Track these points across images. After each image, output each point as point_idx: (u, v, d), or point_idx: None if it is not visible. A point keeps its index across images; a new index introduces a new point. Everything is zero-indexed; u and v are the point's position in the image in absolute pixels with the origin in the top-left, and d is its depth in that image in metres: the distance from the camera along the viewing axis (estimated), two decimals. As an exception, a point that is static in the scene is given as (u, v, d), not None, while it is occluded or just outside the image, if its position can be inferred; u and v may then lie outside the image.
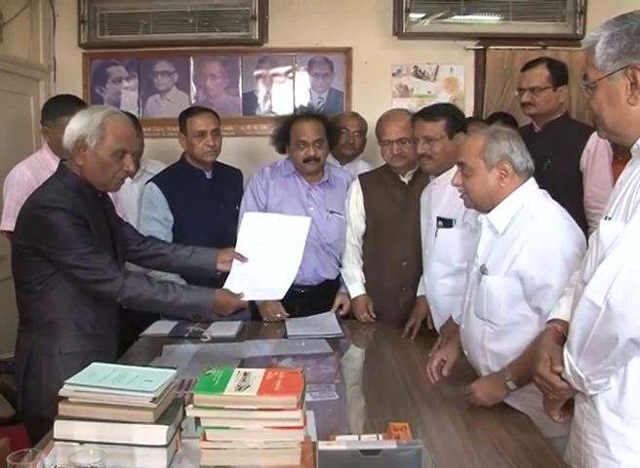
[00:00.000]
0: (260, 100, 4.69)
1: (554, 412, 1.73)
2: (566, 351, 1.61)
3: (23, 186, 3.04)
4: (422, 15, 4.51)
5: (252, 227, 2.66)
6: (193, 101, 4.60)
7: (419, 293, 3.02)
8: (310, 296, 3.23)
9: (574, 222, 2.09)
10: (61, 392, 1.59)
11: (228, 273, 2.64)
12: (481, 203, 2.18)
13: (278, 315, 3.13)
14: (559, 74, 3.30)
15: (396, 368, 2.55)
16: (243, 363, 2.54)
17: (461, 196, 2.25)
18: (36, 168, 3.13)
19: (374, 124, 3.27)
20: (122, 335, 2.62)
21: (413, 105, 4.31)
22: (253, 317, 3.21)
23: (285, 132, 3.22)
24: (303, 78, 4.68)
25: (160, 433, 1.56)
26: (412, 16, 4.48)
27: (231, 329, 2.95)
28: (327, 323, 3.08)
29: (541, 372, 1.68)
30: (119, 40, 4.57)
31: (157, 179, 3.30)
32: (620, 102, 1.55)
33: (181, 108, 3.57)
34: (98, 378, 1.62)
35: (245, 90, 4.67)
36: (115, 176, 2.37)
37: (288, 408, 1.54)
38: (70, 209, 2.25)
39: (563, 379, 1.63)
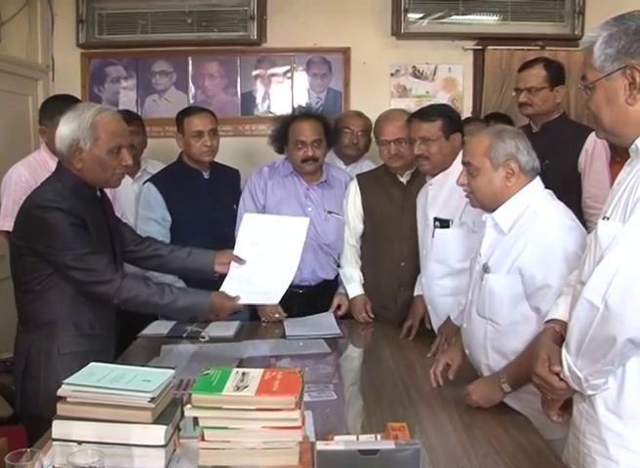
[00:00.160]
0: (259, 100, 4.68)
1: (552, 413, 1.73)
2: (564, 351, 1.61)
3: (21, 186, 3.03)
4: (421, 15, 4.51)
5: (251, 229, 2.65)
6: (192, 101, 4.60)
7: (416, 293, 3.03)
8: (309, 297, 3.23)
9: (579, 223, 2.09)
10: (60, 392, 1.59)
11: (226, 275, 2.64)
12: (487, 202, 2.17)
13: (276, 315, 3.13)
14: (556, 74, 3.31)
15: (394, 368, 2.55)
16: (241, 363, 2.54)
17: (467, 196, 2.24)
18: (34, 167, 3.12)
19: (372, 124, 3.27)
20: (120, 335, 2.62)
21: (411, 105, 4.31)
22: (251, 317, 3.21)
23: (283, 132, 3.22)
24: (302, 78, 4.68)
25: (158, 433, 1.56)
26: (410, 16, 4.48)
27: (229, 329, 2.95)
28: (325, 323, 3.08)
29: (540, 373, 1.67)
30: (117, 40, 4.56)
31: (155, 179, 3.30)
32: (618, 103, 1.55)
33: (180, 108, 3.56)
34: (96, 378, 1.62)
35: (243, 90, 4.67)
36: (115, 172, 2.37)
37: (286, 408, 1.54)
38: (68, 209, 2.25)
39: (561, 379, 1.63)
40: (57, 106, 3.04)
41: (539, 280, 2.02)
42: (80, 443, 1.54)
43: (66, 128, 2.32)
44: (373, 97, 4.53)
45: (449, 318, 2.68)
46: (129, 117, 3.62)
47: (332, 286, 3.31)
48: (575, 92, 4.27)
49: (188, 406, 1.57)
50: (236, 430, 1.56)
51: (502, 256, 2.09)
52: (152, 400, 1.56)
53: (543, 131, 3.29)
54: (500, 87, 4.52)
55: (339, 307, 3.26)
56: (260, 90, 4.68)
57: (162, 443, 1.56)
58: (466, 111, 4.50)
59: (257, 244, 2.62)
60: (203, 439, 1.57)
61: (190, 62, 4.65)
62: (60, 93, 3.56)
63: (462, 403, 2.11)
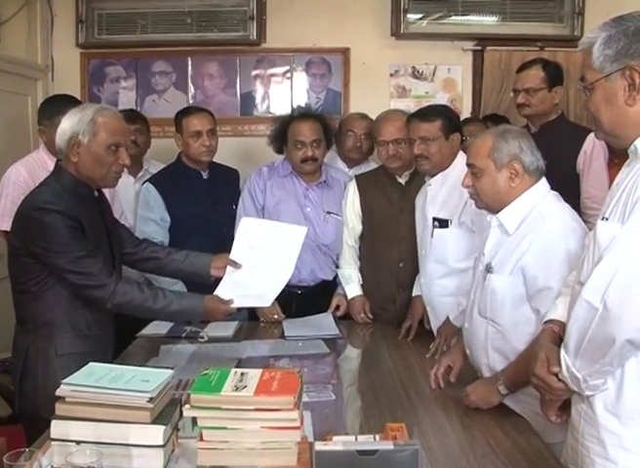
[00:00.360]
0: (258, 101, 4.68)
1: (551, 413, 1.73)
2: (563, 352, 1.61)
3: (20, 186, 3.03)
4: (420, 15, 4.50)
5: (248, 233, 2.64)
6: (191, 101, 4.59)
7: (414, 294, 3.03)
8: (307, 297, 3.23)
9: (584, 226, 2.08)
10: (58, 392, 1.58)
11: (221, 279, 2.64)
12: (492, 204, 2.16)
13: (275, 316, 3.13)
14: (554, 75, 3.30)
15: (393, 368, 2.55)
16: (240, 363, 2.54)
17: (472, 197, 2.24)
18: (32, 167, 3.12)
19: (372, 124, 3.28)
20: (119, 336, 2.62)
21: (411, 106, 4.31)
22: (250, 317, 3.21)
23: (282, 132, 3.22)
24: (301, 78, 4.67)
25: (157, 433, 1.56)
26: (409, 16, 4.48)
27: (228, 329, 2.94)
28: (324, 323, 3.08)
29: (538, 373, 1.68)
30: (117, 40, 4.56)
31: (154, 180, 3.30)
32: (617, 104, 1.55)
33: (179, 108, 3.56)
34: (95, 378, 1.62)
35: (243, 90, 4.66)
36: (111, 170, 2.37)
37: (285, 408, 1.54)
38: (65, 211, 2.24)
39: (560, 380, 1.63)
40: (56, 106, 3.04)
41: (540, 281, 2.02)
42: (79, 443, 1.53)
43: (68, 122, 2.33)
44: (372, 97, 4.52)
45: (448, 318, 2.68)
46: (133, 116, 3.64)
47: (330, 286, 3.31)
48: (574, 93, 4.27)
49: (187, 406, 1.57)
50: (235, 430, 1.56)
51: (506, 257, 2.09)
52: (151, 400, 1.56)
53: (542, 132, 3.29)
54: (499, 87, 4.52)
55: (337, 308, 3.26)
56: (259, 90, 4.68)
57: (160, 443, 1.56)
58: (466, 112, 4.50)
59: (253, 248, 2.61)
60: (202, 439, 1.57)
61: (190, 63, 4.65)
62: (60, 93, 3.56)
63: (461, 404, 2.11)
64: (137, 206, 3.38)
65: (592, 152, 3.16)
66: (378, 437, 1.61)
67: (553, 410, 1.72)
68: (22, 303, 2.37)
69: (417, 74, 4.63)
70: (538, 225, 2.05)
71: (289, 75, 4.67)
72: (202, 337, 2.83)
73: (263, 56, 4.63)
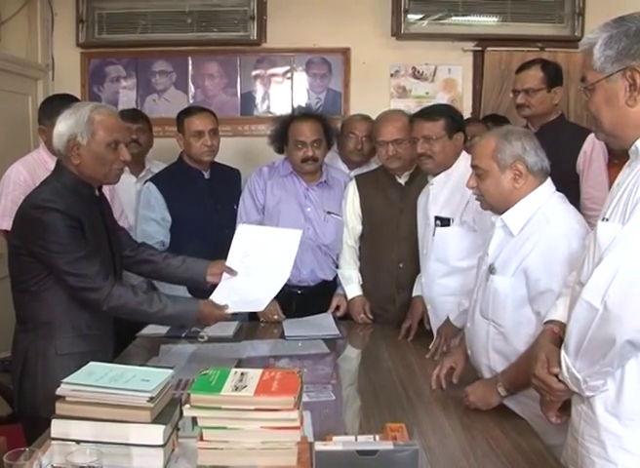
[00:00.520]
0: (258, 101, 4.68)
1: (551, 414, 1.73)
2: (563, 352, 1.61)
3: (20, 185, 3.03)
4: (421, 16, 4.51)
5: (244, 240, 2.63)
6: (191, 101, 4.59)
7: (414, 294, 3.03)
8: (307, 297, 3.23)
9: (588, 228, 2.06)
10: (59, 391, 1.59)
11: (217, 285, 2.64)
12: (496, 205, 2.16)
13: (275, 317, 3.13)
14: (553, 75, 3.30)
15: (393, 368, 2.55)
16: (240, 363, 2.54)
17: (477, 199, 2.24)
18: (32, 167, 3.12)
19: (372, 125, 3.27)
20: (119, 336, 2.62)
21: (411, 106, 4.31)
22: (250, 317, 3.21)
23: (283, 132, 3.22)
24: (301, 78, 4.67)
25: (157, 433, 1.56)
26: (410, 16, 4.48)
27: (228, 329, 2.94)
28: (324, 323, 3.08)
29: (538, 374, 1.67)
30: (117, 39, 4.56)
31: (155, 179, 3.30)
32: (618, 104, 1.55)
33: (180, 108, 3.56)
34: (95, 378, 1.62)
35: (243, 90, 4.66)
36: (113, 167, 2.36)
37: (285, 408, 1.54)
38: (65, 210, 2.24)
39: (560, 381, 1.63)
40: (56, 106, 3.03)
41: (542, 284, 2.01)
42: (79, 442, 1.54)
43: (64, 124, 2.33)
44: (372, 97, 4.52)
45: (448, 319, 2.68)
46: (135, 115, 3.64)
47: (331, 286, 3.31)
48: (574, 93, 4.27)
49: (187, 405, 1.57)
50: (235, 430, 1.56)
51: (509, 258, 2.09)
52: (151, 399, 1.56)
53: (541, 132, 3.28)
54: (499, 88, 4.52)
55: (337, 308, 3.26)
56: (259, 90, 4.68)
57: (161, 442, 1.56)
58: (466, 112, 4.49)
59: (249, 255, 2.60)
60: (202, 439, 1.57)
61: (190, 62, 4.65)
62: (60, 92, 3.56)
63: (461, 404, 2.11)
64: (138, 205, 3.38)
65: (592, 153, 3.16)
66: (377, 437, 1.61)
67: (553, 411, 1.72)
68: (22, 303, 2.36)
69: (417, 74, 4.63)
70: (541, 227, 2.04)
71: (289, 75, 4.67)
72: (202, 337, 2.83)
73: (264, 56, 4.63)
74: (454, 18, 4.51)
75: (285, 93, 4.67)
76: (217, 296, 2.51)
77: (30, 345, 2.32)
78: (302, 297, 3.22)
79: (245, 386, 1.58)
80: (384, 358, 2.68)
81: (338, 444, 1.50)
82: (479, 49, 4.58)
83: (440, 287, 2.81)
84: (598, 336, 1.49)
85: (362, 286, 3.24)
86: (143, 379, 1.63)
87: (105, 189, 2.64)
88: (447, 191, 2.79)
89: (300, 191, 3.26)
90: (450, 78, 4.64)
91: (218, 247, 2.72)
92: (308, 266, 3.21)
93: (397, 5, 4.46)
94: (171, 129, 3.58)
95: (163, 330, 2.92)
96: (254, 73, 4.66)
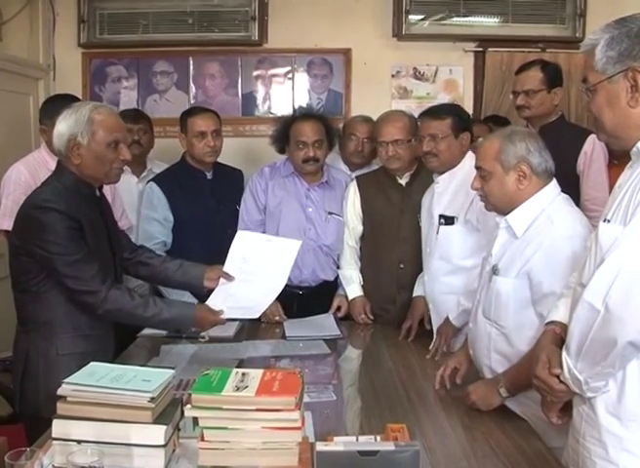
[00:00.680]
0: (260, 101, 4.68)
1: (552, 415, 1.73)
2: (564, 353, 1.61)
3: (21, 185, 3.03)
4: (422, 16, 4.51)
5: (242, 246, 2.63)
6: (192, 102, 4.60)
7: (415, 294, 3.03)
8: (308, 297, 3.23)
9: (592, 231, 2.07)
10: (60, 391, 1.59)
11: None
12: (501, 206, 2.16)
13: (277, 318, 3.13)
14: (553, 76, 3.30)
15: (393, 369, 2.55)
16: (241, 363, 2.54)
17: (482, 200, 2.24)
18: (33, 167, 3.12)
19: (373, 125, 3.27)
20: (119, 336, 2.61)
21: (412, 107, 4.30)
22: (251, 318, 3.21)
23: (284, 132, 3.22)
24: (303, 79, 4.67)
25: (158, 433, 1.56)
26: (411, 17, 4.49)
27: (229, 329, 2.93)
28: (325, 324, 3.08)
29: (540, 375, 1.67)
30: (118, 40, 4.57)
31: (157, 179, 3.29)
32: (620, 105, 1.55)
33: (181, 108, 3.57)
34: (96, 378, 1.62)
35: (244, 90, 4.67)
36: (113, 167, 2.36)
37: (286, 408, 1.54)
38: (65, 210, 2.24)
39: (561, 382, 1.63)
40: (57, 106, 3.03)
41: (545, 287, 2.01)
42: (80, 442, 1.54)
43: (64, 124, 2.33)
44: (373, 98, 4.52)
45: (448, 318, 2.69)
46: (137, 115, 3.64)
47: (332, 287, 3.31)
48: (575, 94, 4.27)
49: (188, 406, 1.57)
50: (236, 430, 1.56)
51: (513, 260, 2.08)
52: (152, 400, 1.56)
53: (542, 133, 3.25)
54: (500, 89, 4.52)
55: (338, 309, 3.26)
56: (260, 90, 4.68)
57: (162, 443, 1.56)
58: (467, 113, 4.50)
59: (247, 262, 2.59)
60: (203, 439, 1.57)
61: (191, 63, 4.65)
62: (61, 92, 3.56)
63: (462, 404, 2.11)
64: (140, 206, 3.38)
65: (592, 153, 3.16)
66: (378, 437, 1.60)
67: (554, 412, 1.72)
68: (23, 303, 2.36)
69: (418, 75, 4.63)
70: (545, 229, 2.03)
71: (290, 76, 4.67)
72: (203, 337, 2.82)
73: (265, 56, 4.64)
74: (455, 18, 4.51)
75: (286, 93, 4.67)
76: (212, 301, 2.50)
77: (31, 345, 2.32)
78: (304, 298, 3.22)
79: (246, 386, 1.58)
80: (385, 358, 2.68)
81: (339, 444, 1.50)
82: (480, 49, 4.58)
83: (443, 285, 2.81)
84: (599, 338, 1.49)
85: (363, 286, 3.24)
86: (144, 380, 1.63)
87: (106, 189, 2.64)
88: (452, 190, 2.79)
89: (302, 191, 3.25)
90: (451, 79, 4.64)
91: (220, 247, 2.70)
92: (309, 266, 3.21)
93: (398, 6, 4.46)
94: (172, 129, 3.58)
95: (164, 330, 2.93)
96: (255, 74, 4.66)
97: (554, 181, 2.13)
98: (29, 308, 2.34)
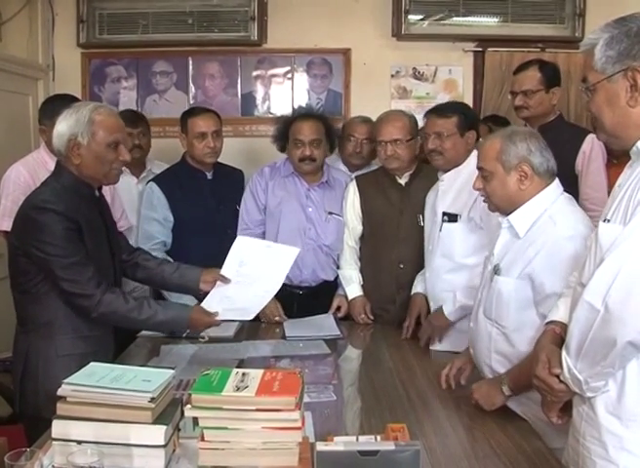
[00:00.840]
0: (259, 101, 4.69)
1: (552, 414, 1.72)
2: (564, 353, 1.61)
3: (20, 186, 3.03)
4: (421, 16, 4.52)
5: (241, 251, 2.63)
6: (192, 102, 4.60)
7: (413, 291, 3.03)
8: (308, 297, 3.23)
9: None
10: (60, 392, 1.59)
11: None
12: (503, 206, 2.15)
13: (277, 318, 3.13)
14: (551, 76, 3.30)
15: (394, 369, 2.55)
16: (241, 363, 2.54)
17: (484, 200, 2.24)
18: (33, 167, 3.12)
19: (373, 126, 3.27)
20: (119, 336, 2.61)
21: (411, 107, 4.32)
22: (251, 317, 3.21)
23: (284, 131, 3.22)
24: (302, 79, 4.68)
25: (158, 433, 1.56)
26: (411, 17, 4.49)
27: (229, 329, 2.93)
28: (325, 324, 3.08)
29: (540, 374, 1.67)
30: (118, 40, 4.57)
31: (158, 179, 3.29)
32: (619, 105, 1.55)
33: (180, 108, 3.57)
34: (96, 378, 1.62)
35: (244, 90, 4.67)
36: (113, 167, 2.36)
37: (286, 408, 1.54)
38: (63, 211, 2.23)
39: (561, 381, 1.63)
40: (56, 106, 3.03)
41: (548, 287, 2.00)
42: (80, 442, 1.54)
43: (64, 124, 2.32)
44: (373, 98, 4.53)
45: (441, 309, 2.71)
46: (135, 118, 3.62)
47: (332, 286, 3.31)
48: (575, 94, 4.27)
49: (188, 406, 1.57)
50: (236, 430, 1.56)
51: (515, 260, 2.08)
52: (152, 400, 1.56)
53: (540, 133, 3.25)
54: (499, 88, 4.53)
55: (338, 309, 3.26)
56: (260, 90, 4.68)
57: (162, 443, 1.56)
58: (466, 113, 4.50)
59: (244, 265, 2.59)
60: (203, 439, 1.56)
61: (191, 63, 4.65)
62: (61, 92, 3.56)
63: (462, 404, 2.11)
64: (140, 206, 3.38)
65: (591, 153, 3.15)
66: (379, 437, 1.60)
67: (554, 412, 1.72)
68: (23, 304, 2.36)
69: (417, 75, 4.64)
70: (547, 230, 2.03)
71: (290, 76, 4.68)
72: (203, 338, 2.82)
73: (264, 56, 4.64)
74: (454, 18, 4.52)
75: (286, 93, 4.68)
76: (208, 303, 2.51)
77: (31, 346, 2.32)
78: (304, 297, 3.22)
79: (246, 386, 1.58)
80: (385, 358, 2.68)
81: (339, 444, 1.50)
82: (480, 49, 4.59)
83: (444, 283, 2.81)
84: (599, 337, 1.49)
85: (362, 286, 3.24)
86: (144, 380, 1.63)
87: (106, 190, 2.64)
88: (456, 188, 2.79)
89: (302, 191, 3.25)
90: (450, 79, 4.65)
91: (220, 247, 2.70)
92: (310, 266, 3.21)
93: (398, 6, 4.46)
94: (171, 129, 3.59)
95: (164, 330, 2.92)
96: (254, 74, 4.66)
97: (557, 181, 2.13)
98: (29, 309, 2.34)
